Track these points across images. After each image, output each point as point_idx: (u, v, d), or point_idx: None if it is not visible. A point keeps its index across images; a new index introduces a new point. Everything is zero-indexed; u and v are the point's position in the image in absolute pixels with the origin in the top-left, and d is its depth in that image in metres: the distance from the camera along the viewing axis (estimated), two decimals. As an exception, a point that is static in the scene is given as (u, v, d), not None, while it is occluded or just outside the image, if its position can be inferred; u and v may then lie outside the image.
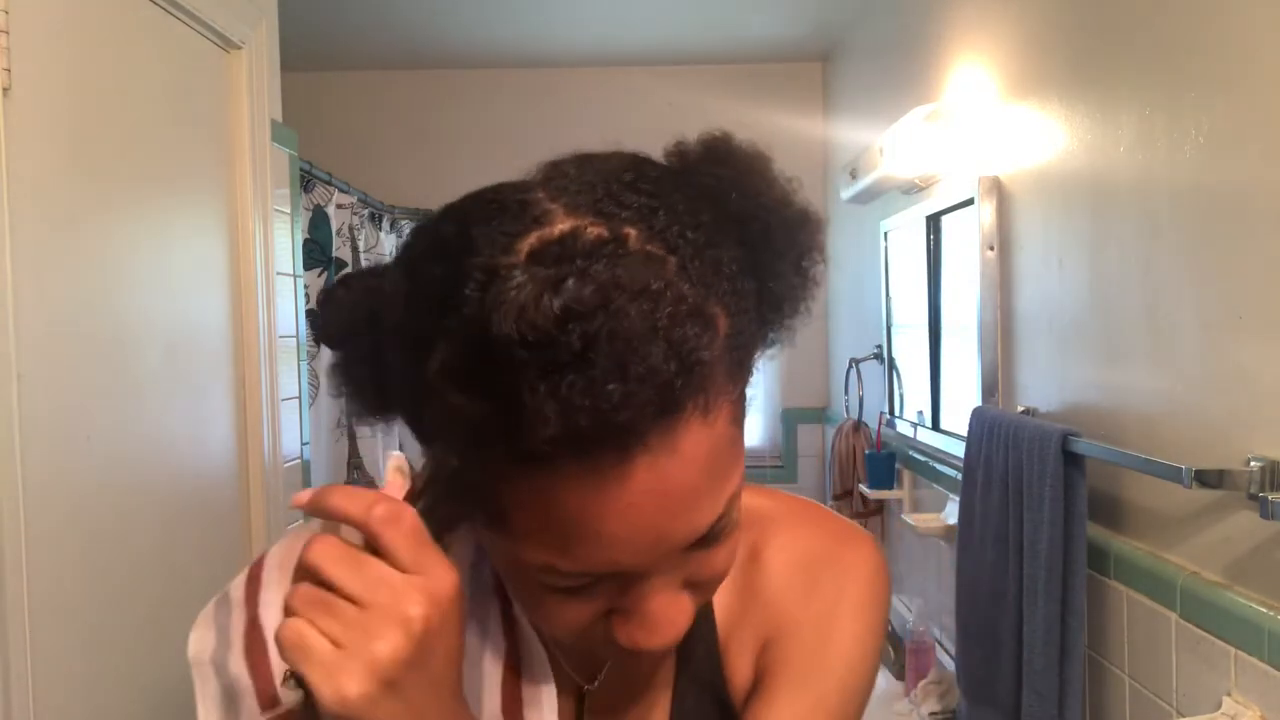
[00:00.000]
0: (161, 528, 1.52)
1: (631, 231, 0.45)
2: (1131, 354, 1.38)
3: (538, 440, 0.41)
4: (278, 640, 0.44)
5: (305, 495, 0.47)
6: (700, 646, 0.65)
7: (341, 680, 0.43)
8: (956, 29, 2.08)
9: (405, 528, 0.45)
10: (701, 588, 0.53)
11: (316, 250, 2.51)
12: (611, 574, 0.48)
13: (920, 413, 2.40)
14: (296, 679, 0.44)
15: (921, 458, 2.42)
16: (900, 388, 2.61)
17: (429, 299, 0.45)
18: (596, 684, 0.66)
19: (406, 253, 0.51)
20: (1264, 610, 1.08)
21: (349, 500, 0.46)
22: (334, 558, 0.45)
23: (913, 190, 2.37)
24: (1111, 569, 1.41)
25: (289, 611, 0.45)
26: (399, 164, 3.52)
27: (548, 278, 0.41)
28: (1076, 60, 1.54)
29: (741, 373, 0.49)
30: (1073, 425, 1.45)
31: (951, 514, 2.01)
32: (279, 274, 1.91)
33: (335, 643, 0.43)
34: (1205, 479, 1.12)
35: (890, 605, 0.68)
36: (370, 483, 2.78)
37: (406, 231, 3.02)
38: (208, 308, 1.70)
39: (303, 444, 2.06)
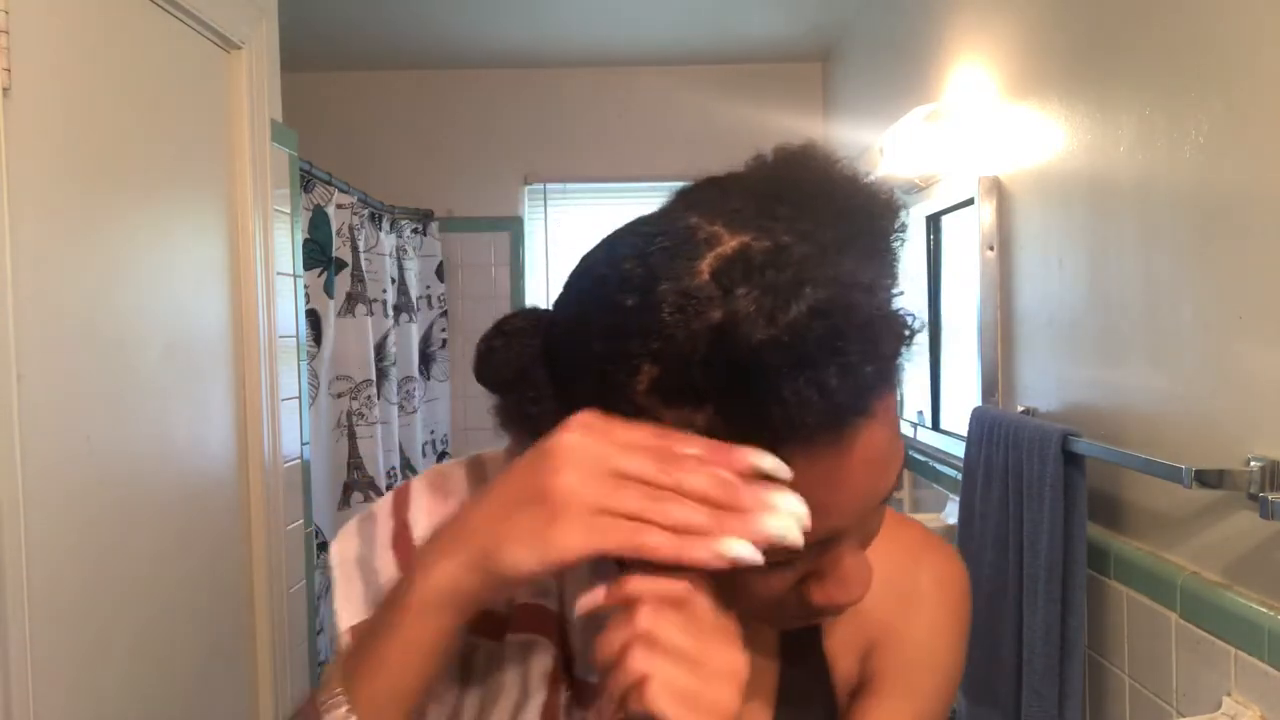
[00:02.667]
0: (161, 527, 1.52)
1: (787, 239, 0.49)
2: (1131, 354, 1.38)
3: (799, 426, 0.46)
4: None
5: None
6: (804, 639, 0.69)
7: None
8: (956, 29, 2.08)
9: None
10: (866, 546, 0.57)
11: (316, 250, 2.52)
12: (820, 541, 0.52)
13: (920, 413, 2.40)
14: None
15: (921, 458, 2.42)
16: (900, 388, 2.60)
17: (623, 329, 0.50)
18: None
19: (578, 293, 0.55)
20: (1264, 610, 1.08)
21: None
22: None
23: (913, 190, 2.37)
24: (1111, 569, 1.41)
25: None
26: (399, 164, 3.52)
27: (771, 285, 0.46)
28: (1076, 60, 1.54)
29: None
30: (1073, 425, 1.45)
31: (951, 514, 2.01)
32: (279, 274, 1.91)
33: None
34: (1205, 479, 1.12)
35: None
36: (370, 482, 2.78)
37: (406, 234, 3.00)
38: (208, 308, 1.70)
39: (303, 444, 2.06)
